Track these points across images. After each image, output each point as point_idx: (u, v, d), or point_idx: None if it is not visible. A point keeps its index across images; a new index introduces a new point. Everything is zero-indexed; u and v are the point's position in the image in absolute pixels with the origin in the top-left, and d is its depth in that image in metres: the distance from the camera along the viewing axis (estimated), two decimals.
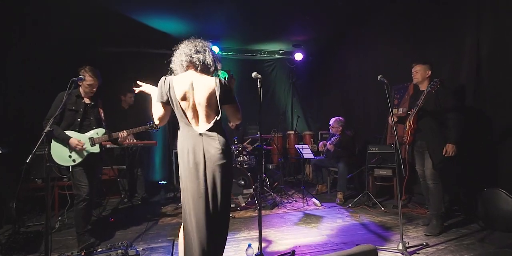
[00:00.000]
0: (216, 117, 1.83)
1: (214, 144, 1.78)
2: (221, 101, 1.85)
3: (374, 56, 5.07)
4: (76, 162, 2.62)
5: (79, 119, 2.68)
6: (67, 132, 2.62)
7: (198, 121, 1.82)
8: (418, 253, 2.41)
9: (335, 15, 4.86)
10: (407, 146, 3.18)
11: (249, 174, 3.75)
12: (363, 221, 3.26)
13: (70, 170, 2.64)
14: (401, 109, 4.43)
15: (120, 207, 4.00)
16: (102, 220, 3.46)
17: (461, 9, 3.52)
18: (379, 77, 2.65)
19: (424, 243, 2.56)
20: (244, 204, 3.68)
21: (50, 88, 4.04)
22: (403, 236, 2.47)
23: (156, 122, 1.88)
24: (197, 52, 1.85)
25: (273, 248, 2.61)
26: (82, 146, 2.59)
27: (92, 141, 2.70)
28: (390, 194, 4.21)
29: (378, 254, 1.86)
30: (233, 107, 1.92)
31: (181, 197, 1.84)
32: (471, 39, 3.35)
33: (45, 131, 1.97)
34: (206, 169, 1.77)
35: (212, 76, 1.91)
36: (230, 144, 1.88)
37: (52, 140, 2.62)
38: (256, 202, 3.74)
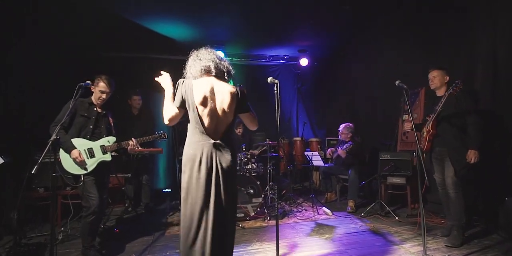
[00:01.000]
0: (230, 125, 1.82)
1: (226, 155, 1.76)
2: (239, 109, 1.86)
3: (381, 61, 5.01)
4: (88, 170, 2.54)
5: (91, 126, 2.63)
6: (78, 140, 2.55)
7: (214, 129, 1.77)
8: None
9: (342, 20, 4.81)
10: (424, 153, 3.07)
11: (258, 182, 3.63)
12: (378, 232, 3.13)
13: (82, 178, 2.53)
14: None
15: (125, 217, 3.88)
16: (106, 231, 3.33)
17: (473, 13, 3.46)
18: (397, 82, 2.56)
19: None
20: (253, 213, 3.55)
21: (51, 90, 4.03)
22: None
23: (166, 122, 1.82)
24: (220, 59, 1.87)
25: None
26: (81, 160, 2.48)
27: (104, 149, 2.65)
28: (402, 202, 4.09)
29: None
30: (251, 115, 1.95)
31: (182, 206, 1.76)
32: (486, 43, 3.28)
33: (51, 139, 1.87)
34: (218, 179, 1.73)
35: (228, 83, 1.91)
36: (237, 153, 1.86)
37: (61, 149, 2.53)
38: (266, 211, 3.62)
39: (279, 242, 2.87)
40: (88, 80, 2.42)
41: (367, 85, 5.47)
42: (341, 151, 4.14)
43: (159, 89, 5.57)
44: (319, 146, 5.70)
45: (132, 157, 3.88)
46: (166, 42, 5.25)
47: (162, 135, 3.24)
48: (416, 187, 3.79)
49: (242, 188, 3.52)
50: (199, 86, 1.78)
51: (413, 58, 4.35)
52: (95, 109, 2.66)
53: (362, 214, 3.67)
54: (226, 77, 1.87)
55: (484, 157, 2.75)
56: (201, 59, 1.83)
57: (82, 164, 2.50)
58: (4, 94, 3.76)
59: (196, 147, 1.75)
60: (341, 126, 4.33)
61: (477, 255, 2.48)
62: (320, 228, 3.30)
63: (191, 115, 1.79)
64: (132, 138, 2.85)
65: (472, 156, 2.68)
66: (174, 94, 1.84)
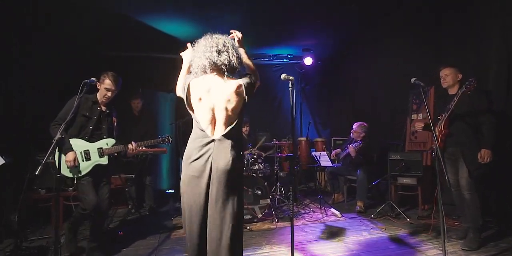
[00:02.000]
0: (232, 123, 1.68)
1: (225, 153, 1.62)
2: (249, 96, 1.72)
3: (386, 61, 4.94)
4: (82, 173, 2.42)
5: (91, 127, 2.50)
6: (76, 140, 2.44)
7: (214, 127, 1.68)
8: None
9: (347, 19, 4.74)
10: (434, 153, 2.99)
11: (265, 183, 3.54)
12: (390, 234, 3.04)
13: (75, 181, 2.42)
14: (420, 115, 4.26)
15: (128, 218, 3.78)
16: (110, 233, 3.23)
17: (483, 9, 3.38)
18: (412, 80, 2.46)
19: None
20: (260, 215, 3.46)
21: (51, 90, 3.94)
22: (440, 251, 2.27)
23: (178, 93, 1.81)
24: (219, 53, 1.65)
25: None
26: (73, 165, 2.35)
27: (101, 152, 2.52)
28: (411, 203, 4.00)
29: None
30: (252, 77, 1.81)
31: (181, 204, 1.71)
32: (500, 41, 3.20)
33: (56, 138, 1.77)
34: (210, 180, 1.61)
35: (236, 76, 1.76)
36: (243, 154, 1.72)
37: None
38: (274, 213, 3.53)
39: (289, 245, 2.80)
40: (93, 77, 2.33)
41: (372, 84, 5.40)
42: (351, 149, 4.02)
43: (161, 88, 5.51)
44: (324, 146, 5.62)
45: (135, 157, 3.78)
46: (169, 40, 5.15)
47: (166, 139, 3.05)
48: (427, 188, 3.75)
49: (249, 189, 3.43)
50: (196, 86, 1.70)
51: (420, 57, 4.28)
52: (98, 108, 2.54)
53: (372, 215, 3.59)
54: (235, 70, 1.72)
55: (496, 156, 2.67)
56: (199, 56, 1.69)
57: (72, 168, 2.37)
58: (4, 94, 3.67)
59: (192, 144, 1.70)
60: (355, 125, 4.23)
61: None
62: (330, 230, 3.22)
63: (191, 113, 1.75)
64: (132, 142, 2.72)
65: (485, 155, 2.60)
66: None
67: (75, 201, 3.18)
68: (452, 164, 2.83)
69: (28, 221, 3.33)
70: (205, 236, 1.61)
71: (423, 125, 3.03)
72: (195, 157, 1.63)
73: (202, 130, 1.67)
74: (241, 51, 1.80)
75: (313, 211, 3.91)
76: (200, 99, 1.67)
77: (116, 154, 3.35)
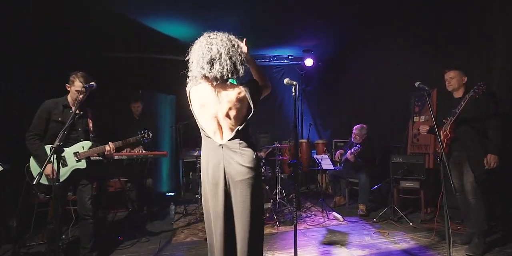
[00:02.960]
0: (238, 127, 1.61)
1: (236, 157, 1.58)
2: (255, 99, 1.63)
3: (388, 62, 4.91)
4: (60, 180, 2.24)
5: (65, 132, 2.40)
6: (47, 147, 2.32)
7: (222, 133, 1.64)
8: None
9: (347, 19, 4.70)
10: (438, 158, 2.95)
11: (267, 186, 3.50)
12: (393, 239, 3.01)
13: (52, 188, 2.28)
14: (423, 117, 4.23)
15: (128, 222, 3.74)
16: (109, 238, 3.18)
17: (488, 10, 3.35)
18: (417, 83, 2.43)
19: None
20: None
21: (51, 90, 3.88)
22: None
23: None
24: (211, 63, 1.53)
25: None
26: (54, 177, 2.19)
27: (78, 156, 2.41)
28: (413, 207, 3.97)
29: None
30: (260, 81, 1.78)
31: (204, 211, 1.70)
32: (504, 43, 3.17)
33: (54, 145, 1.73)
34: (226, 186, 1.58)
35: (235, 81, 1.69)
36: (257, 155, 1.64)
37: (32, 157, 2.36)
38: (276, 217, 3.50)
39: (291, 250, 2.76)
40: (92, 82, 2.27)
41: (373, 86, 5.36)
42: (349, 155, 4.01)
43: (161, 90, 5.44)
44: (325, 148, 5.58)
45: (135, 160, 3.74)
46: (169, 41, 5.12)
47: (146, 135, 2.94)
48: (429, 191, 3.72)
49: None
50: (196, 95, 1.64)
51: (420, 57, 4.26)
52: (71, 111, 2.36)
53: (375, 219, 3.56)
54: (232, 76, 1.60)
55: (500, 160, 2.64)
56: (193, 65, 1.59)
57: (53, 179, 2.26)
58: (4, 94, 3.62)
59: (204, 152, 1.69)
60: (356, 127, 4.20)
61: None
62: (332, 235, 3.18)
63: (196, 120, 1.70)
64: (109, 143, 2.58)
65: (491, 161, 2.57)
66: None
67: (74, 205, 3.13)
68: (456, 168, 2.79)
69: (26, 226, 3.29)
70: (229, 244, 1.58)
71: (428, 129, 3.00)
72: (209, 165, 1.61)
73: (209, 137, 1.64)
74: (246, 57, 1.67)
75: (315, 215, 3.88)
76: (203, 106, 1.62)
77: (117, 157, 3.31)
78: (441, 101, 3.54)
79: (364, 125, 4.23)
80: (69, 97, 2.42)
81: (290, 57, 6.29)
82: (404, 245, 2.83)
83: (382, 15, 4.50)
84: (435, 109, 4.01)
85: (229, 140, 1.60)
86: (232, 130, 1.62)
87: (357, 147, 3.89)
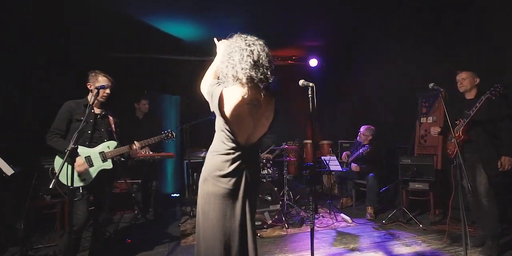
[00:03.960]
0: (261, 136, 1.61)
1: (257, 163, 1.61)
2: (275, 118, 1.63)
3: (392, 63, 4.89)
4: (88, 182, 2.27)
5: (89, 131, 2.36)
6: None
7: (247, 140, 1.59)
8: None
9: (352, 21, 4.68)
10: (454, 158, 2.92)
11: (275, 188, 3.47)
12: (404, 241, 2.99)
13: (81, 191, 2.24)
14: (430, 118, 4.21)
15: (135, 223, 3.71)
16: (118, 241, 3.14)
17: (497, 8, 3.34)
18: (431, 85, 2.39)
19: None
20: (270, 221, 3.39)
21: (51, 90, 3.86)
22: None
23: (203, 91, 1.68)
24: (256, 66, 1.50)
25: None
26: (84, 169, 2.25)
27: (103, 156, 2.37)
28: (421, 209, 3.96)
29: None
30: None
31: (201, 224, 1.56)
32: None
33: (69, 148, 1.69)
34: (246, 192, 1.55)
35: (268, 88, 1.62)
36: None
37: (57, 156, 2.31)
38: (284, 219, 3.47)
39: (304, 253, 2.74)
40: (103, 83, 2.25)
41: (377, 86, 5.35)
42: (354, 166, 4.04)
43: (166, 91, 5.37)
44: (330, 149, 5.56)
45: (143, 162, 3.70)
46: (172, 42, 5.09)
47: (170, 135, 2.89)
48: (439, 193, 3.70)
49: (260, 195, 3.35)
50: (230, 97, 1.55)
51: (431, 58, 4.22)
52: (92, 111, 2.36)
53: (384, 221, 3.53)
54: (262, 89, 1.56)
55: None
56: (234, 64, 1.53)
57: (84, 173, 2.27)
58: (4, 94, 3.59)
59: (223, 155, 1.57)
60: (362, 128, 4.19)
61: None
62: (342, 237, 3.15)
63: (220, 122, 1.60)
64: (135, 142, 2.56)
65: (506, 163, 2.55)
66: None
67: None
68: (469, 170, 2.76)
69: (33, 228, 3.25)
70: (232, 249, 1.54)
71: (439, 130, 2.99)
72: (228, 170, 1.53)
73: (234, 142, 1.56)
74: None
75: (323, 216, 3.85)
76: (235, 109, 1.54)
77: (122, 158, 3.27)
78: (450, 102, 3.52)
79: (372, 126, 4.21)
80: (89, 97, 2.39)
81: (294, 58, 6.26)
82: (416, 248, 2.81)
83: (383, 15, 4.48)
84: (443, 110, 4.02)
85: (251, 148, 1.58)
86: (257, 137, 1.60)
87: (365, 148, 3.87)
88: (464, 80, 2.79)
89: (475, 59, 3.54)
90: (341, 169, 4.12)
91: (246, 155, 1.56)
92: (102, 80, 2.35)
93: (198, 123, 3.98)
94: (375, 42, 5.22)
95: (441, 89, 2.33)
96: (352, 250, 2.80)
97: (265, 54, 1.55)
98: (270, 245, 2.95)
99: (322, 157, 4.18)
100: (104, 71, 2.44)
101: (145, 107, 3.96)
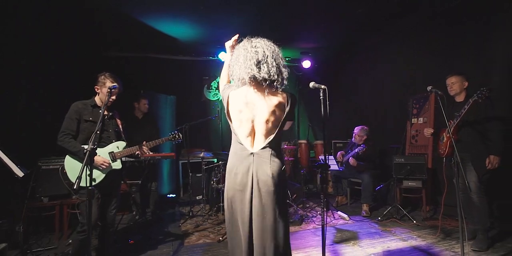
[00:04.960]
0: (271, 135, 1.64)
1: (266, 168, 1.59)
2: (287, 118, 1.68)
3: (388, 65, 5.07)
4: (97, 181, 2.28)
5: (98, 132, 2.36)
6: (85, 147, 2.28)
7: (254, 140, 1.65)
8: None
9: (348, 23, 4.81)
10: (444, 158, 3.09)
11: None
12: (401, 236, 3.13)
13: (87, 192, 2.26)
14: (421, 119, 4.40)
15: (134, 224, 3.68)
16: (120, 242, 3.12)
17: (490, 14, 3.53)
18: (429, 88, 2.53)
19: None
20: None
21: (51, 90, 3.77)
22: (453, 253, 2.38)
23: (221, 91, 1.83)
24: (259, 66, 1.58)
25: None
26: (108, 165, 2.30)
27: (113, 156, 2.39)
28: (413, 205, 4.15)
29: None
30: (290, 123, 1.77)
31: (226, 217, 1.68)
32: (503, 51, 3.37)
33: (88, 149, 1.69)
34: (253, 194, 1.58)
35: (279, 89, 1.68)
36: (284, 166, 1.68)
37: (67, 156, 2.30)
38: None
39: (309, 250, 2.83)
40: (114, 83, 2.24)
41: (369, 88, 5.53)
42: (351, 160, 4.14)
43: (161, 91, 5.34)
44: (324, 149, 5.68)
45: (143, 162, 3.68)
46: (169, 41, 5.06)
47: (176, 136, 2.96)
48: (431, 190, 3.89)
49: None
50: (236, 98, 1.65)
51: (422, 61, 4.42)
52: (100, 111, 2.32)
53: (379, 218, 3.68)
54: (275, 84, 1.63)
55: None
56: (240, 66, 1.62)
57: (107, 168, 2.30)
58: (2, 95, 3.48)
59: (232, 157, 1.68)
60: (357, 128, 4.32)
61: None
62: (342, 234, 3.27)
63: (230, 125, 1.71)
64: (144, 142, 2.64)
65: (494, 161, 2.73)
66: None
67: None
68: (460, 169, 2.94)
69: (31, 230, 3.18)
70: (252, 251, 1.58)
71: (432, 131, 3.15)
72: (237, 171, 1.61)
73: (241, 143, 1.64)
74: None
75: (320, 215, 3.96)
76: (240, 111, 1.63)
77: (130, 158, 3.25)
78: (444, 104, 3.70)
79: (365, 127, 4.35)
80: (97, 99, 2.40)
81: (287, 59, 6.35)
82: (412, 242, 2.95)
83: (379, 22, 4.63)
84: (433, 111, 4.22)
85: (261, 148, 1.61)
86: (265, 137, 1.63)
87: (361, 147, 4.00)
88: (454, 84, 2.96)
89: (463, 64, 3.75)
90: (338, 168, 4.24)
91: (254, 158, 1.60)
92: (110, 85, 2.30)
93: (197, 123, 4.01)
94: (369, 44, 5.38)
95: (439, 92, 2.48)
96: (353, 245, 2.91)
97: (271, 54, 1.61)
98: None
99: (320, 157, 4.29)
100: (96, 70, 2.43)
101: (145, 107, 3.94)
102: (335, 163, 4.16)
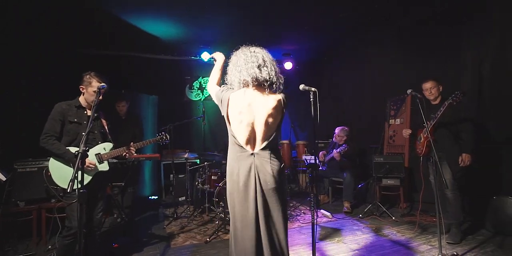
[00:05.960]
0: (271, 136, 1.71)
1: (267, 167, 1.66)
2: (283, 118, 1.78)
3: (368, 68, 5.27)
4: (84, 184, 2.22)
5: (83, 133, 2.28)
6: (71, 149, 2.21)
7: (254, 142, 1.70)
8: None
9: (331, 26, 4.95)
10: (422, 157, 3.27)
11: None
12: (382, 232, 3.28)
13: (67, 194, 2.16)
14: (398, 120, 4.62)
15: (117, 228, 3.58)
16: (104, 246, 3.01)
17: (460, 24, 3.76)
18: (408, 91, 2.70)
19: (455, 253, 2.64)
20: None
21: (31, 89, 3.59)
22: (430, 246, 2.54)
23: (211, 93, 1.90)
24: (260, 68, 1.69)
25: None
26: (94, 167, 2.24)
27: (100, 158, 2.33)
28: (390, 203, 4.34)
29: None
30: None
31: (230, 217, 1.74)
32: (472, 54, 3.62)
33: (80, 151, 1.65)
34: (257, 193, 1.64)
35: (275, 91, 1.78)
36: (283, 165, 1.75)
37: (51, 159, 2.22)
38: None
39: (296, 247, 2.89)
40: (103, 83, 2.18)
41: (349, 90, 5.73)
42: (336, 153, 4.25)
43: (143, 90, 5.26)
44: (305, 149, 5.82)
45: (127, 164, 3.59)
46: (151, 40, 4.96)
47: (164, 137, 2.91)
48: (408, 188, 4.09)
49: None
50: (236, 100, 1.70)
51: (400, 65, 4.64)
52: (85, 112, 2.32)
53: (360, 215, 3.82)
54: (273, 86, 1.74)
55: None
56: (240, 70, 1.70)
57: (93, 170, 2.24)
58: (3, 95, 3.28)
59: (232, 159, 1.73)
60: (337, 129, 4.46)
61: (478, 249, 2.73)
62: (326, 231, 3.37)
63: (228, 127, 1.75)
64: (132, 143, 2.60)
65: (466, 159, 2.94)
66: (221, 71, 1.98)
67: (60, 213, 2.93)
68: (435, 166, 3.13)
69: (5, 236, 3.02)
70: (259, 250, 1.62)
71: (410, 132, 3.33)
72: (239, 172, 1.65)
73: (239, 145, 1.68)
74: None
75: (304, 213, 4.06)
76: (240, 112, 1.67)
77: (116, 160, 3.16)
78: (416, 106, 3.92)
79: (346, 128, 4.50)
80: (81, 99, 2.31)
81: None
82: (393, 237, 3.11)
83: (360, 27, 4.80)
84: (409, 113, 4.45)
85: (261, 149, 1.67)
86: (265, 138, 1.69)
87: (343, 147, 4.14)
88: (433, 89, 3.14)
89: (436, 70, 3.98)
90: (321, 168, 4.36)
91: (255, 159, 1.65)
92: (95, 85, 2.25)
93: (182, 124, 3.97)
94: (349, 48, 5.56)
95: (419, 95, 2.64)
96: (338, 242, 3.01)
97: (268, 59, 1.75)
98: None
99: (304, 157, 4.39)
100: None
101: (122, 109, 3.79)
102: (318, 163, 4.26)
